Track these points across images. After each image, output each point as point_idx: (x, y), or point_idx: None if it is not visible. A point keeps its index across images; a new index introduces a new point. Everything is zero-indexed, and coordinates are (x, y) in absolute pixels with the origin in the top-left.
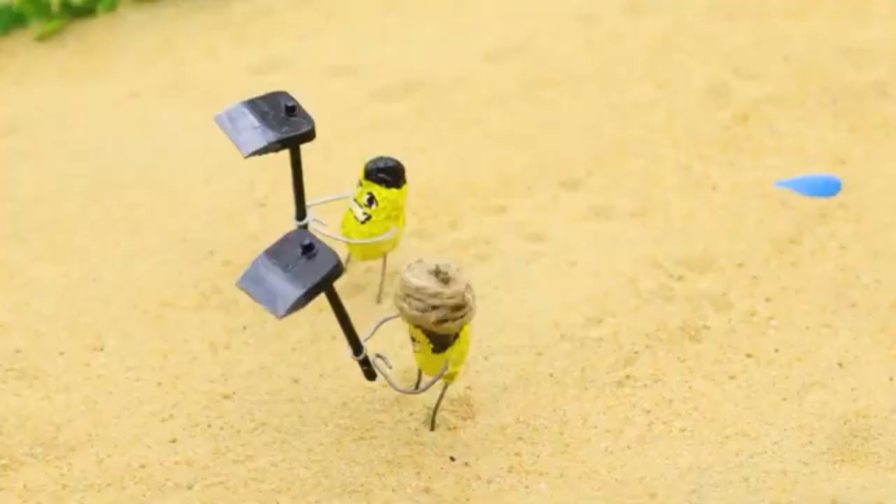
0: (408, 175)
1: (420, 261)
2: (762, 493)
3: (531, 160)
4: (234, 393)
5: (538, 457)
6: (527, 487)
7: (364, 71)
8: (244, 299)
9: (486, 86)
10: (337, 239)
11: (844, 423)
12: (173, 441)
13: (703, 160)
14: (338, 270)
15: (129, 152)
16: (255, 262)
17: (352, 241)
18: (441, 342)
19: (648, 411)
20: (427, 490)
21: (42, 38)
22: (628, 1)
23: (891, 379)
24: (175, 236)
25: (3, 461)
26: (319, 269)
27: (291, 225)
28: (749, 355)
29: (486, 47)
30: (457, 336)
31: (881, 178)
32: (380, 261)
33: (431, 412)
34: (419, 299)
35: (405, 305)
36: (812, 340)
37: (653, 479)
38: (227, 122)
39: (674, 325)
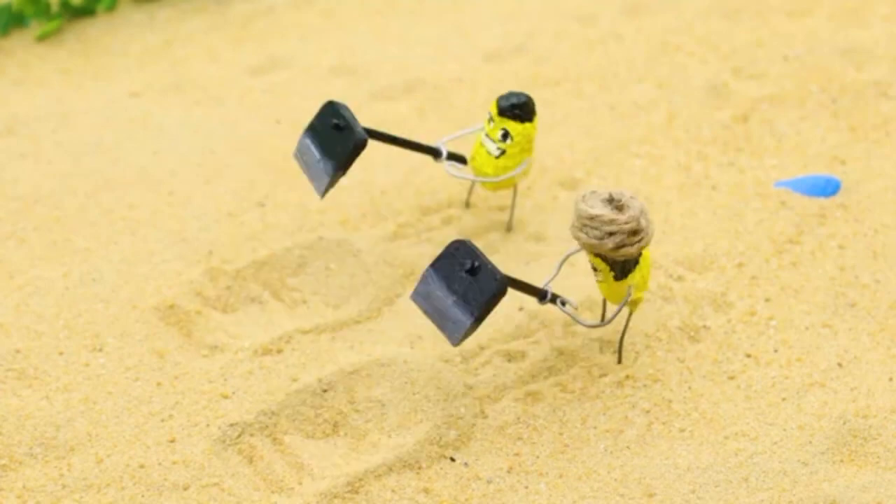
0: (408, 174)
1: (594, 192)
2: (761, 492)
3: None
4: (233, 393)
5: (538, 457)
6: (526, 487)
7: (364, 71)
8: (242, 299)
9: (486, 86)
10: (473, 179)
11: (844, 424)
12: (172, 441)
13: (702, 160)
14: (503, 289)
15: (129, 152)
16: (424, 278)
17: (488, 180)
18: (622, 269)
19: (648, 411)
20: (427, 490)
21: (42, 38)
22: (628, 1)
23: (890, 379)
24: (175, 236)
25: (3, 461)
26: (485, 291)
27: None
28: (748, 355)
29: (486, 47)
30: (637, 262)
31: (881, 178)
32: (509, 192)
33: (618, 342)
34: (595, 227)
35: (582, 235)
36: (812, 340)
37: (652, 479)
38: (300, 159)
39: (673, 326)
